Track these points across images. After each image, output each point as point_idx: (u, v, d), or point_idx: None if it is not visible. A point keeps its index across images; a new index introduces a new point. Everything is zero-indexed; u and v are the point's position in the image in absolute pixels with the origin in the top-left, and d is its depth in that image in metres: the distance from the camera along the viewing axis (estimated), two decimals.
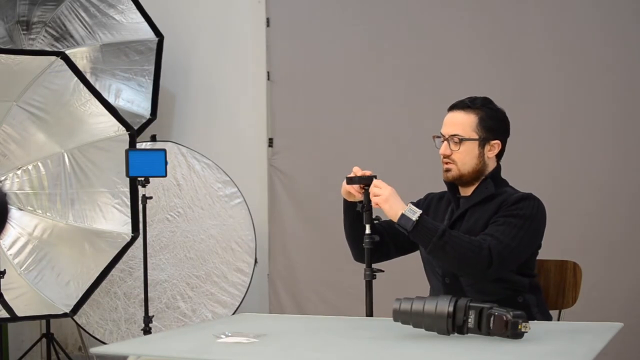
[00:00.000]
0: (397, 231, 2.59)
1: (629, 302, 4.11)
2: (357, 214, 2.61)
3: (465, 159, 2.63)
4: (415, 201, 2.80)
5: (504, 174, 2.75)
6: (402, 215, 2.47)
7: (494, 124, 2.66)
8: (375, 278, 2.51)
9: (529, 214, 2.56)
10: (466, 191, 2.70)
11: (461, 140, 2.62)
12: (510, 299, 2.58)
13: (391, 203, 2.49)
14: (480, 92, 2.79)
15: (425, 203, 2.81)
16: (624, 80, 4.20)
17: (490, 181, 2.65)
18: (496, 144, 2.66)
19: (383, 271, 2.51)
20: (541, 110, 4.33)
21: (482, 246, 2.46)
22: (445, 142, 2.66)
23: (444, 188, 2.79)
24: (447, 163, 2.66)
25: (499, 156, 2.70)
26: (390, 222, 2.58)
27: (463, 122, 2.64)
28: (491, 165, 2.68)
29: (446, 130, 2.67)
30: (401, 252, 2.79)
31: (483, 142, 2.64)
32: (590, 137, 4.26)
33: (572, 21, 4.30)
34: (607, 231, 4.19)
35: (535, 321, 2.54)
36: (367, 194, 2.52)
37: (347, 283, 4.51)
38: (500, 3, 4.45)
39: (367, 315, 2.54)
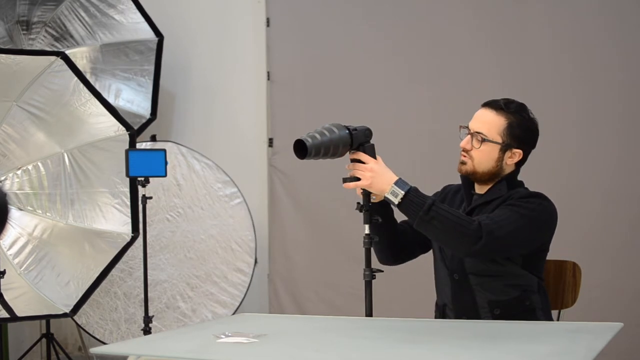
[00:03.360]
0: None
1: (629, 302, 4.11)
2: (376, 211, 2.54)
3: (482, 158, 2.60)
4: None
5: None
6: (390, 192, 2.43)
7: (521, 133, 2.60)
8: (374, 278, 2.50)
9: (532, 208, 2.52)
10: (481, 189, 2.68)
11: (483, 140, 2.59)
12: (518, 301, 2.57)
13: (375, 184, 2.45)
14: (482, 93, 2.77)
15: (442, 195, 2.80)
16: (629, 81, 4.19)
17: (505, 183, 2.63)
18: (518, 152, 2.61)
19: (382, 271, 2.50)
20: (544, 110, 4.31)
21: (471, 221, 2.42)
22: (469, 136, 2.62)
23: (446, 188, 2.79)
24: (464, 156, 2.63)
25: (518, 163, 2.66)
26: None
27: (490, 123, 2.60)
28: (508, 170, 2.64)
29: (473, 124, 2.63)
30: (425, 249, 2.77)
31: (505, 147, 2.60)
32: (594, 138, 4.25)
33: (577, 21, 4.29)
34: (608, 231, 4.19)
35: (536, 321, 2.54)
36: (366, 193, 2.51)
37: (347, 283, 4.51)
38: (504, 2, 4.45)
39: (366, 316, 2.54)
